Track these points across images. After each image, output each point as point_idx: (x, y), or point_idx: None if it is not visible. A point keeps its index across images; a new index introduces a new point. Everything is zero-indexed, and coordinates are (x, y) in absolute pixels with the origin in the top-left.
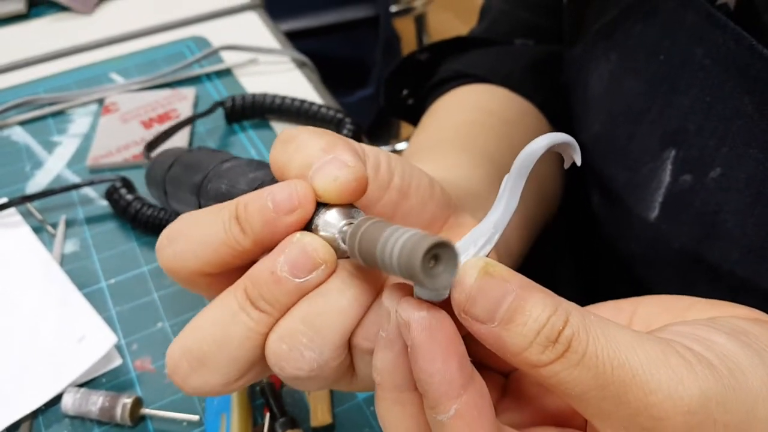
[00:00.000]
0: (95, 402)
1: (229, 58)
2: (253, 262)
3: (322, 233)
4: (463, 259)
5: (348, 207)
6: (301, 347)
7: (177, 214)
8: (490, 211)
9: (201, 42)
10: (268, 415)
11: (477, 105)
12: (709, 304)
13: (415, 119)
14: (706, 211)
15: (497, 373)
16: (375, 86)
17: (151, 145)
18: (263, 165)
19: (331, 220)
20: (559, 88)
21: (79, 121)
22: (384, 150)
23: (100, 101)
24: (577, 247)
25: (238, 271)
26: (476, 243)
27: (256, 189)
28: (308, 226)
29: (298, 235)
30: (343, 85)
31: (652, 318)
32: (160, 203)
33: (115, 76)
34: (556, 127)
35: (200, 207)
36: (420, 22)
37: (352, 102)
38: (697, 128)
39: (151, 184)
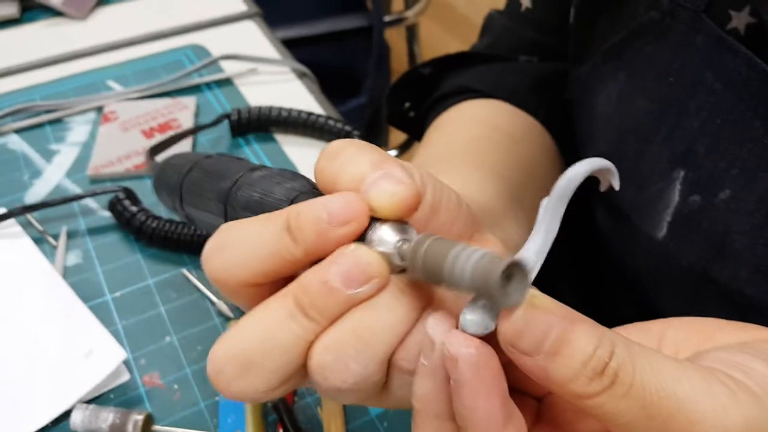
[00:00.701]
0: (105, 419)
1: (228, 68)
2: (299, 273)
3: (376, 248)
4: None
5: (401, 223)
6: (347, 359)
7: (190, 220)
8: (529, 240)
9: (199, 50)
10: (281, 430)
11: (483, 120)
12: (737, 327)
13: (415, 132)
14: (715, 231)
15: (531, 397)
16: (367, 96)
17: (155, 150)
18: (298, 176)
19: (385, 235)
20: (564, 106)
21: (78, 130)
22: (417, 166)
23: (99, 109)
24: (579, 265)
25: (285, 281)
26: None
27: (293, 200)
28: (361, 240)
29: (352, 246)
30: (334, 94)
31: (681, 341)
32: (170, 208)
33: (112, 84)
34: (559, 144)
35: (227, 214)
36: (411, 32)
37: (344, 111)
38: (707, 150)
39: (163, 189)
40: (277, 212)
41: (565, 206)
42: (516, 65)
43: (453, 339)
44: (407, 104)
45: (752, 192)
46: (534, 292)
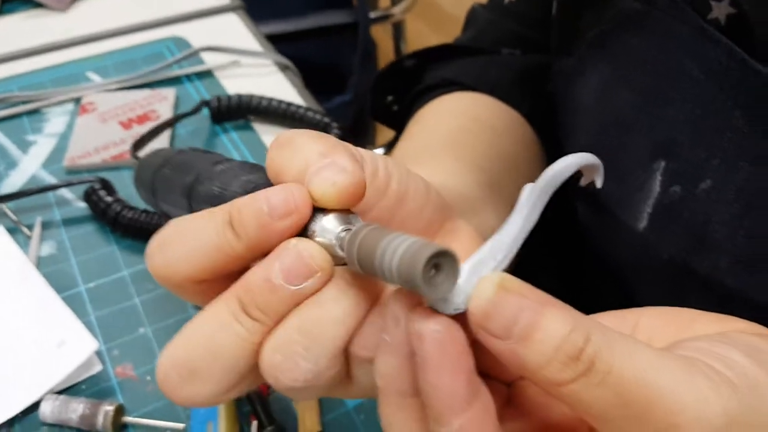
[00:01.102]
0: (75, 409)
1: (210, 60)
2: (248, 267)
3: (318, 239)
4: (483, 273)
5: (345, 213)
6: (296, 357)
7: (166, 216)
8: (506, 225)
9: (181, 42)
10: (255, 423)
11: (465, 112)
12: (712, 318)
13: (399, 125)
14: (695, 221)
15: (501, 382)
16: (352, 92)
17: (138, 145)
18: (257, 168)
19: (328, 225)
20: (546, 98)
21: (55, 121)
22: (381, 154)
23: (77, 100)
24: (561, 259)
25: (232, 276)
26: (495, 257)
27: (250, 192)
28: (304, 232)
29: (294, 241)
30: (320, 90)
31: (655, 330)
32: (151, 205)
33: (92, 75)
34: (542, 137)
35: (191, 209)
36: (398, 29)
37: (330, 108)
38: (688, 140)
39: (141, 186)
40: (221, 207)
41: (548, 197)
42: (499, 58)
43: (419, 315)
44: (390, 97)
45: (732, 182)
46: (507, 276)
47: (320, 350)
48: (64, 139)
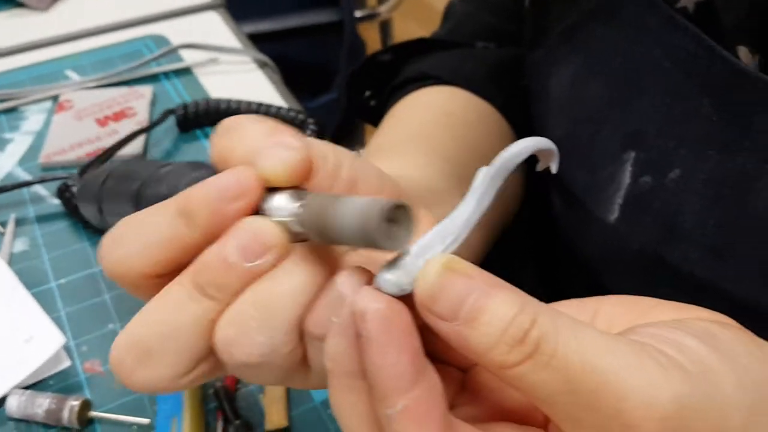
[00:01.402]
0: (41, 404)
1: (189, 57)
2: None
3: (272, 218)
4: (430, 254)
5: (297, 190)
6: (250, 331)
7: None
8: (458, 207)
9: (160, 40)
10: (221, 418)
11: (438, 106)
12: (672, 306)
13: (377, 121)
14: (665, 212)
15: (456, 368)
16: (338, 92)
17: (87, 168)
18: (203, 165)
19: (281, 203)
20: (522, 92)
21: (33, 119)
22: (330, 143)
23: (55, 98)
24: (540, 254)
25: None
26: (444, 240)
27: None
28: (258, 213)
29: (248, 219)
30: (307, 89)
31: (615, 318)
32: (96, 222)
33: (70, 74)
34: (517, 130)
35: None
36: (385, 28)
37: (316, 107)
38: (657, 130)
39: (85, 203)
40: (171, 198)
41: (503, 180)
42: (474, 51)
43: (363, 294)
44: (368, 93)
45: (701, 171)
46: (454, 257)
47: (274, 324)
48: (40, 137)
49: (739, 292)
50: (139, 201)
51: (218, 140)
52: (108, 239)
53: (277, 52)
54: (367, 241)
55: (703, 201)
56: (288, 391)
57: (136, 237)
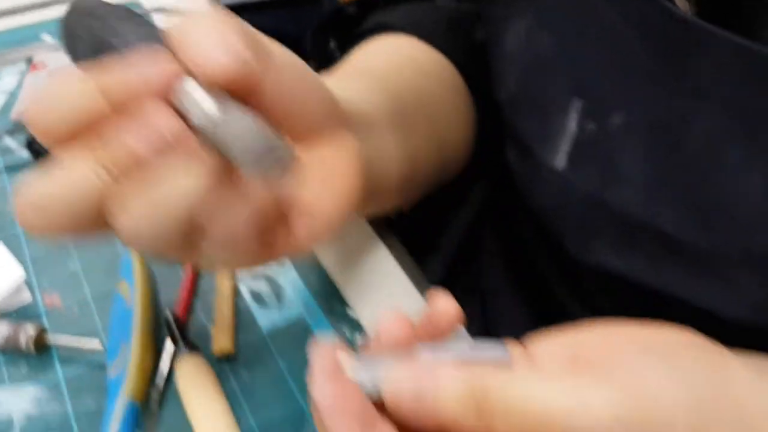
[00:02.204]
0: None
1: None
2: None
3: (180, 108)
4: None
5: (221, 93)
6: (141, 220)
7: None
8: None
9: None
10: (168, 341)
11: (393, 51)
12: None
13: None
14: (608, 157)
15: None
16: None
17: None
18: (147, 23)
19: (198, 104)
20: (479, 47)
21: (7, 79)
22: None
23: (29, 60)
24: (501, 217)
25: None
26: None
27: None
28: (172, 104)
29: (155, 105)
30: None
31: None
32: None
33: (45, 37)
34: (471, 84)
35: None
36: None
37: None
38: (601, 78)
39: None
40: (93, 70)
41: None
42: (435, 6)
43: (316, 383)
44: (333, 43)
45: (640, 115)
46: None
47: (162, 218)
48: (13, 96)
49: (674, 231)
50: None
51: (177, 24)
52: (35, 97)
53: (257, 23)
54: (246, 167)
55: (642, 144)
56: (236, 322)
57: (56, 101)
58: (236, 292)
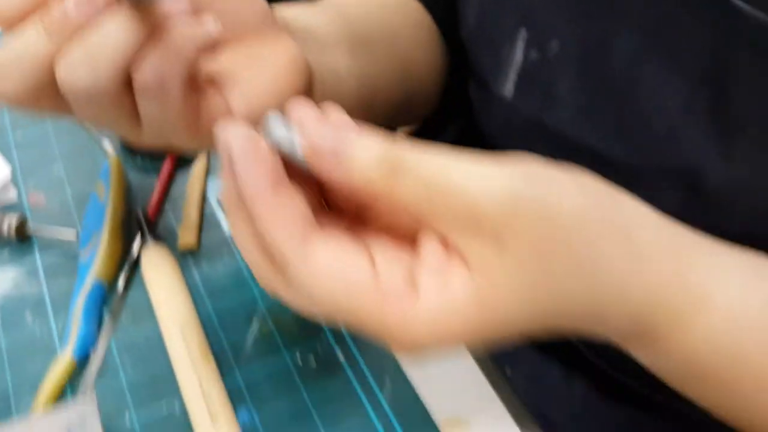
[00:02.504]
0: None
1: None
2: None
3: None
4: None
5: None
6: (78, 69)
7: None
8: None
9: None
10: (138, 237)
11: None
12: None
13: None
14: (547, 82)
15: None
16: None
17: None
18: None
19: None
20: None
21: None
22: None
23: None
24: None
25: None
26: None
27: None
28: None
29: None
30: None
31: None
32: None
33: None
34: (444, 29)
35: None
36: None
37: None
38: (543, 7)
39: None
40: None
41: None
42: None
43: (228, 130)
44: None
45: (573, 39)
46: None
47: (98, 66)
48: None
49: (603, 149)
50: None
51: None
52: None
53: None
54: None
55: (574, 68)
56: (202, 223)
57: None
58: (204, 198)
